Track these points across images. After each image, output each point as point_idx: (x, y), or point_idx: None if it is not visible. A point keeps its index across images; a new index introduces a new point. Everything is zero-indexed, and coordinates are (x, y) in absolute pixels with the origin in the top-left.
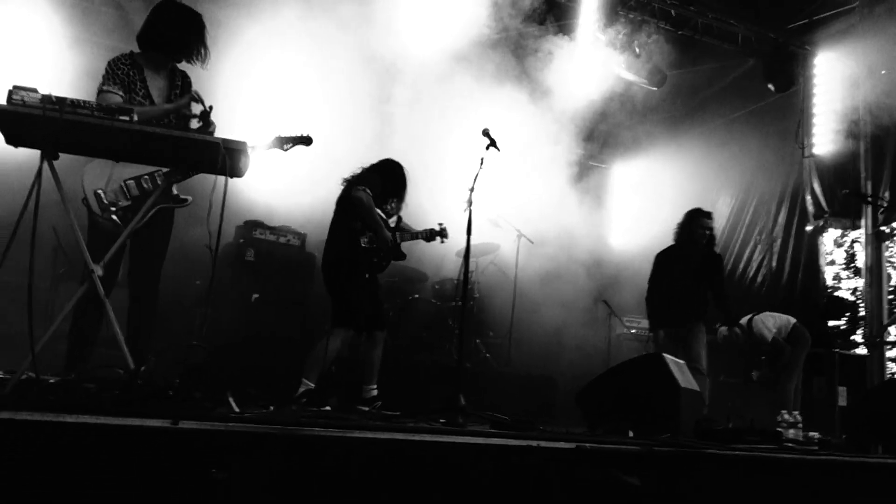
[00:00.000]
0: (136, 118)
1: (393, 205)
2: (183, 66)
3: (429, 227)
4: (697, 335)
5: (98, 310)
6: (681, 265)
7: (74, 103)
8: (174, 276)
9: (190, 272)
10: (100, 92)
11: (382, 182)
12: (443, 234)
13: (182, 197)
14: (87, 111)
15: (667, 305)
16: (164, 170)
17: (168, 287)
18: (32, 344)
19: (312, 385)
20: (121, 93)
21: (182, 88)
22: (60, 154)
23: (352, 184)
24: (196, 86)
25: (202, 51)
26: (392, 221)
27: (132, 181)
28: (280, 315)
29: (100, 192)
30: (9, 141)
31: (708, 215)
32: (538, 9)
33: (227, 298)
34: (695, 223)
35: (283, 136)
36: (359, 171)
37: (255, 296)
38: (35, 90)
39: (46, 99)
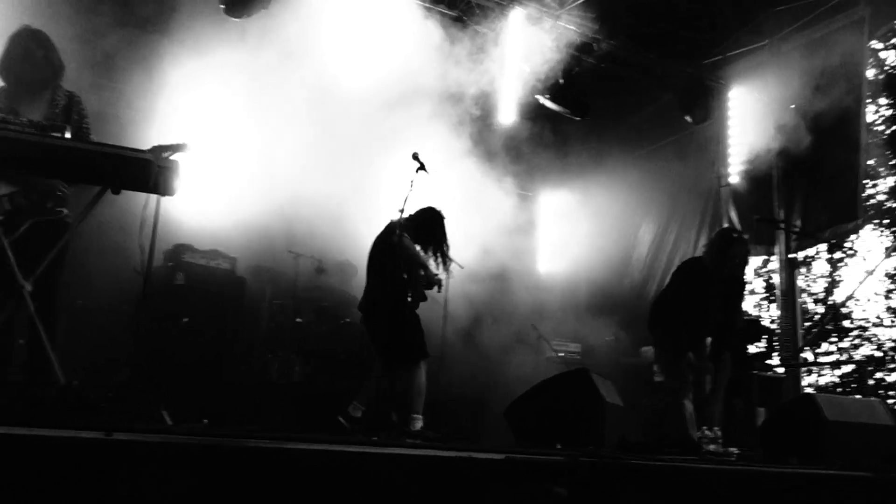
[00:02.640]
0: (68, 135)
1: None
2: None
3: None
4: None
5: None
6: (714, 289)
7: (4, 119)
8: (101, 301)
9: (119, 297)
10: None
11: (418, 225)
12: (439, 284)
13: (57, 209)
14: (18, 127)
15: (702, 328)
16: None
17: (96, 311)
18: None
19: (363, 408)
20: None
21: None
22: None
23: (391, 231)
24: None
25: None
26: None
27: (6, 196)
28: (210, 339)
29: None
30: None
31: (744, 241)
32: (465, 39)
33: (157, 323)
34: (732, 249)
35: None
36: (399, 214)
37: (185, 320)
38: None
39: None
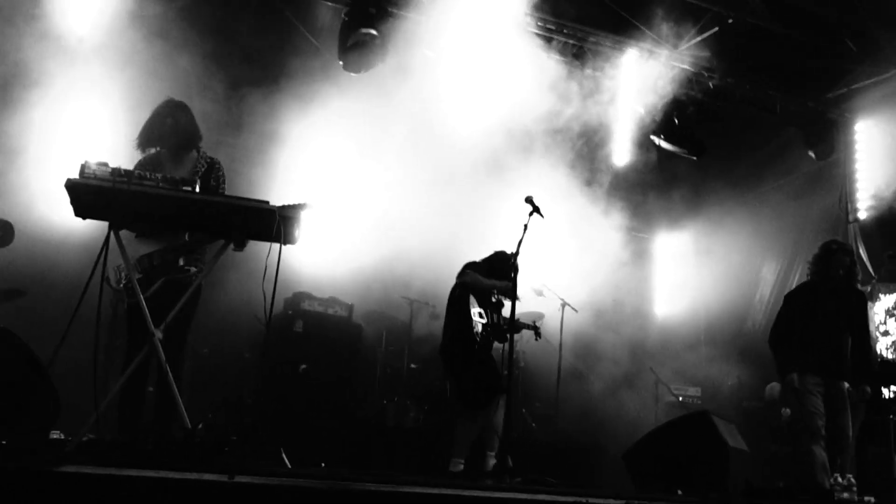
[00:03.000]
0: (198, 189)
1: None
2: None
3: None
4: (845, 398)
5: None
6: (822, 303)
7: (141, 175)
8: (225, 348)
9: (241, 344)
10: None
11: (489, 265)
12: (537, 332)
13: (186, 268)
14: (153, 182)
15: (809, 350)
16: (175, 245)
17: (219, 358)
18: (97, 405)
19: (461, 462)
20: None
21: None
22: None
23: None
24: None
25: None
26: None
27: (145, 257)
28: (327, 384)
29: (117, 266)
30: (77, 213)
31: (846, 250)
32: (579, 81)
33: (277, 369)
34: (835, 259)
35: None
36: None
37: (303, 366)
38: (106, 164)
39: (116, 172)
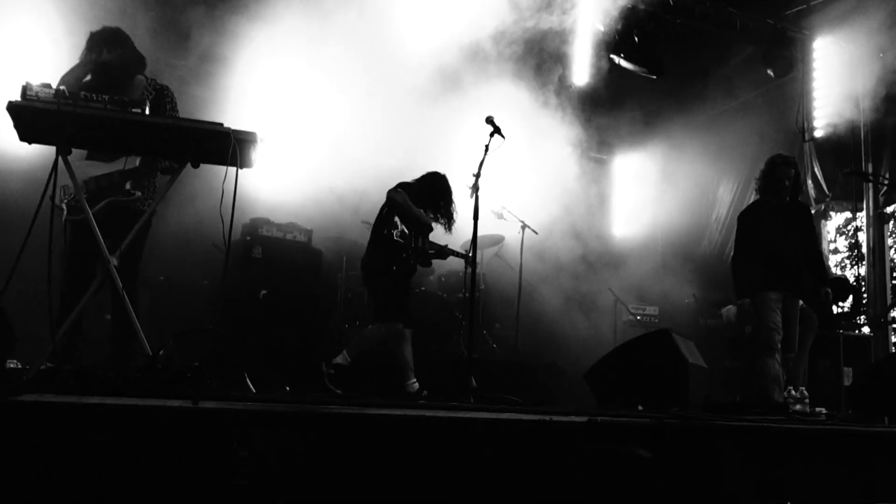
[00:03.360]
0: (147, 111)
1: (430, 215)
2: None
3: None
4: (797, 311)
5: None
6: (771, 219)
7: (87, 97)
8: (182, 276)
9: (197, 272)
10: None
11: (419, 189)
12: (467, 259)
13: (131, 192)
14: (100, 105)
15: (764, 265)
16: (124, 169)
17: (176, 286)
18: (53, 334)
19: (349, 360)
20: None
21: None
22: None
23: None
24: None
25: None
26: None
27: (92, 179)
28: (289, 310)
29: (63, 186)
30: (23, 138)
31: (788, 162)
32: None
33: (236, 296)
34: (778, 171)
35: None
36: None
37: (264, 292)
38: (49, 85)
39: (60, 94)
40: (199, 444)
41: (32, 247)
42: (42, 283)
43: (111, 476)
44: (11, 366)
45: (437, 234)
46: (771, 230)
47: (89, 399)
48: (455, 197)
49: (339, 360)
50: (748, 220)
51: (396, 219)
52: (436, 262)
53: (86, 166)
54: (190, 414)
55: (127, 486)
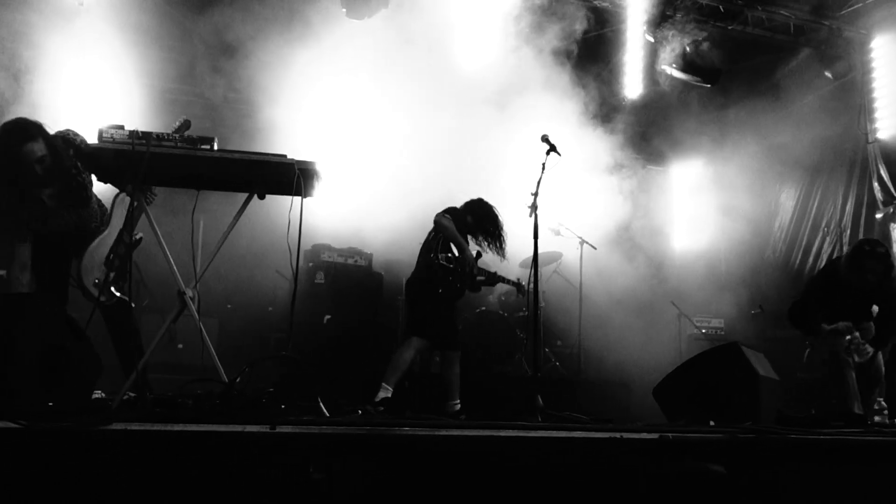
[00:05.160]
0: (216, 146)
1: (480, 241)
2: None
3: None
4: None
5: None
6: (843, 297)
7: (159, 136)
8: (247, 304)
9: (263, 299)
10: None
11: (466, 215)
12: (519, 288)
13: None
14: (171, 143)
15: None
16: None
17: (242, 314)
18: (137, 365)
19: (391, 390)
20: None
21: None
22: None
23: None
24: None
25: None
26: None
27: (109, 254)
28: (352, 334)
29: (97, 280)
30: (100, 178)
31: (877, 255)
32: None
33: (301, 321)
34: (867, 264)
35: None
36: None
37: (328, 317)
38: (122, 127)
39: (134, 134)
40: (277, 467)
41: None
42: None
43: (194, 499)
44: (97, 396)
45: (491, 259)
46: (848, 304)
47: (173, 426)
48: (505, 220)
49: (381, 395)
50: (819, 291)
51: (442, 243)
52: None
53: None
54: (269, 438)
55: None
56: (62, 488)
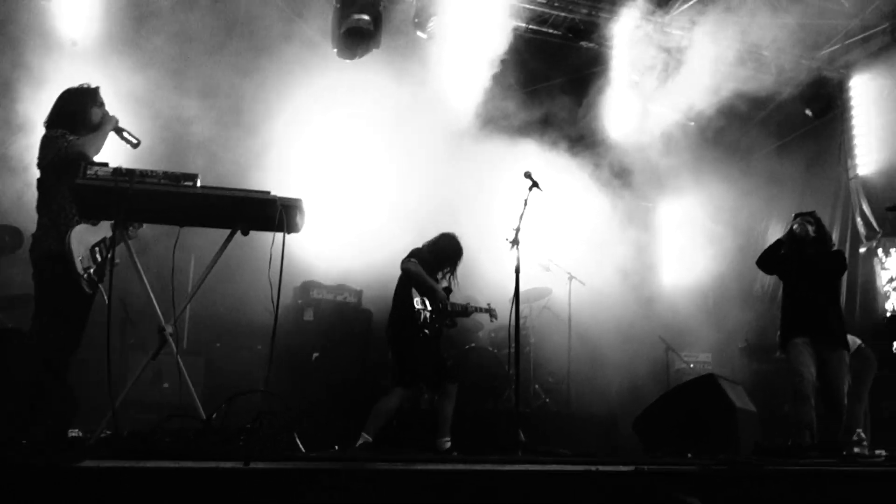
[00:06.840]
0: (199, 183)
1: (447, 275)
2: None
3: (478, 303)
4: (840, 360)
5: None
6: (791, 268)
7: (143, 173)
8: (236, 342)
9: (252, 337)
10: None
11: (430, 253)
12: (491, 313)
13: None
14: (154, 180)
15: (791, 314)
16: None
17: (231, 352)
18: (113, 403)
19: (370, 439)
20: None
21: None
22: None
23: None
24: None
25: None
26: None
27: (94, 247)
28: (340, 371)
29: (80, 258)
30: (83, 215)
31: (805, 215)
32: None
33: (290, 358)
34: (793, 222)
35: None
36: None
37: (316, 355)
38: (106, 164)
39: (117, 171)
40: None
41: (93, 318)
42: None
43: None
44: (73, 434)
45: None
46: (793, 280)
47: (146, 463)
48: (472, 253)
49: (360, 443)
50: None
51: (415, 289)
52: (482, 317)
53: (88, 232)
54: (242, 475)
55: None
56: None
